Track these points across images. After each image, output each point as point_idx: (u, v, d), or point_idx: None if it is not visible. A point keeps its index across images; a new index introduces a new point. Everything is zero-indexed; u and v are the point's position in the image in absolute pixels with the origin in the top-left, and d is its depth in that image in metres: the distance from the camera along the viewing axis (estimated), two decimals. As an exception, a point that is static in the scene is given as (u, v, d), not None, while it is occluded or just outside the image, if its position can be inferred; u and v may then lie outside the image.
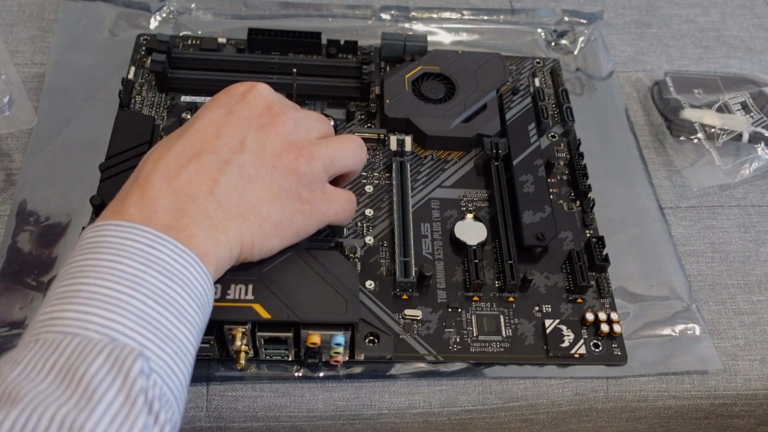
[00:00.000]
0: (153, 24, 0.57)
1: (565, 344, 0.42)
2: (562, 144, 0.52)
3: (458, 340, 0.42)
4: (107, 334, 0.28)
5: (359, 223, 0.46)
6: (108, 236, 0.31)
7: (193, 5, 0.58)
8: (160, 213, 0.32)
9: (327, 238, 0.45)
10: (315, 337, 0.37)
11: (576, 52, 0.60)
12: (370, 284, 0.44)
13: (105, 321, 0.28)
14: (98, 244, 0.31)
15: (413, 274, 0.43)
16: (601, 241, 0.46)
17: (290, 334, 0.37)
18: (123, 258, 0.30)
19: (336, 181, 0.41)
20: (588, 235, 0.48)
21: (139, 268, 0.30)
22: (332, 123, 0.50)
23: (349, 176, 0.42)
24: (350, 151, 0.40)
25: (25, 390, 0.25)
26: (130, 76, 0.52)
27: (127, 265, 0.30)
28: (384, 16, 0.60)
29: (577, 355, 0.42)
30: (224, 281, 0.37)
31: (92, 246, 0.31)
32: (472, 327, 0.43)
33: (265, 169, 0.35)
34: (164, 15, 0.57)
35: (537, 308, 0.44)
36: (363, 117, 0.52)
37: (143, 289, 0.29)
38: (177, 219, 0.32)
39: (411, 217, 0.46)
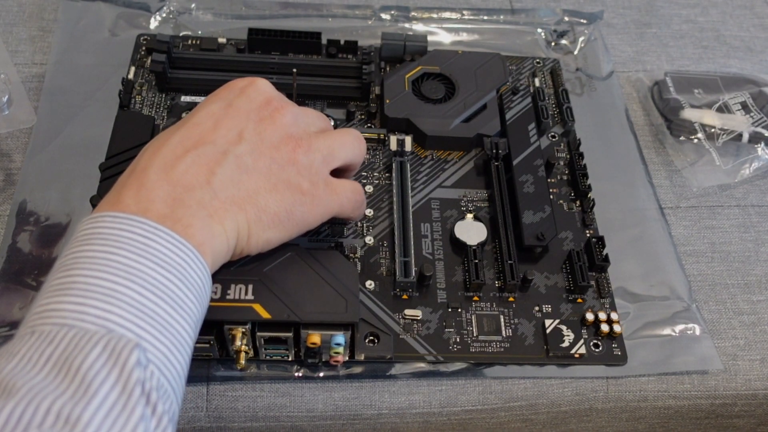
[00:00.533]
0: (153, 24, 0.57)
1: (565, 344, 0.42)
2: (562, 144, 0.52)
3: (458, 340, 0.42)
4: (103, 325, 0.28)
5: (359, 223, 0.46)
6: (104, 227, 0.31)
7: (193, 5, 0.58)
8: (156, 203, 0.32)
9: (327, 238, 0.45)
10: (315, 337, 0.37)
11: (576, 52, 0.60)
12: (370, 284, 0.44)
13: (101, 312, 0.28)
14: (94, 235, 0.30)
15: (413, 274, 0.43)
16: (601, 241, 0.46)
17: (290, 334, 0.37)
18: (119, 249, 0.30)
19: (338, 175, 0.41)
20: (588, 235, 0.48)
21: (136, 259, 0.30)
22: (332, 123, 0.50)
23: (350, 169, 0.41)
24: (349, 143, 0.39)
25: (21, 382, 0.25)
26: (130, 76, 0.52)
27: (124, 256, 0.30)
28: (384, 16, 0.60)
29: (577, 355, 0.42)
30: (224, 281, 0.37)
31: (88, 237, 0.31)
32: (472, 327, 0.43)
33: (262, 161, 0.35)
34: (164, 15, 0.57)
35: (537, 308, 0.44)
36: (363, 117, 0.52)
37: (140, 281, 0.29)
38: (173, 210, 0.32)
39: (411, 217, 0.46)
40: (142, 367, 0.27)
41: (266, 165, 0.35)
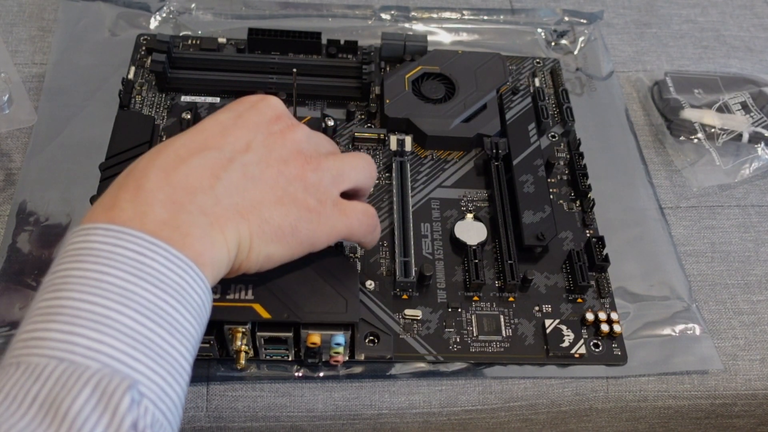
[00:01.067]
0: (153, 24, 0.57)
1: (565, 344, 0.42)
2: (562, 144, 0.52)
3: (458, 340, 0.42)
4: (95, 357, 0.26)
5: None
6: (95, 242, 0.29)
7: (193, 5, 0.58)
8: (155, 207, 0.30)
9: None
10: (315, 337, 0.37)
11: (576, 52, 0.60)
12: (370, 284, 0.44)
13: (92, 342, 0.26)
14: (85, 250, 0.29)
15: (413, 274, 0.43)
16: (601, 241, 0.46)
17: (290, 334, 0.37)
18: (111, 268, 0.28)
19: (348, 199, 0.39)
20: (588, 235, 0.48)
21: (130, 279, 0.28)
22: (332, 123, 0.50)
23: (361, 194, 0.40)
24: (359, 166, 0.38)
25: (5, 427, 0.24)
26: (130, 76, 0.52)
27: (116, 276, 0.28)
28: (384, 16, 0.60)
29: (577, 355, 0.42)
30: (224, 281, 0.36)
31: (78, 253, 0.29)
32: (472, 327, 0.43)
33: (269, 172, 0.34)
34: (164, 15, 0.57)
35: (537, 308, 0.44)
36: (363, 117, 0.52)
37: (134, 304, 0.27)
38: (173, 215, 0.30)
39: (411, 217, 0.46)
40: (135, 406, 0.25)
41: (273, 177, 0.34)
